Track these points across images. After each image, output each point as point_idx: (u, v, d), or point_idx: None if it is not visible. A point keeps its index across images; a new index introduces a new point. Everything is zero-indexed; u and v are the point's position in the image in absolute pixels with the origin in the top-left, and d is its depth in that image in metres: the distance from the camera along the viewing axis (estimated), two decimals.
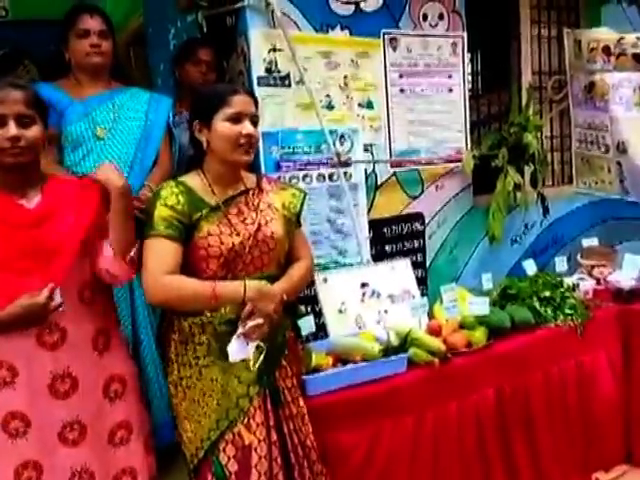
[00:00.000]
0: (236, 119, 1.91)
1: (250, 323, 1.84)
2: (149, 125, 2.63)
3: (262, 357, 1.87)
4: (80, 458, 1.85)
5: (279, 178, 2.64)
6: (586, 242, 3.32)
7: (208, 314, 1.90)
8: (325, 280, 2.65)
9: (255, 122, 1.97)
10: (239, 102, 1.92)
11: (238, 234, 1.93)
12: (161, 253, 1.85)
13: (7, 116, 1.72)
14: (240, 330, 1.84)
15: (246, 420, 1.90)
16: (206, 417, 1.91)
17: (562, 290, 2.85)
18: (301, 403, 2.04)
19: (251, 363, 1.85)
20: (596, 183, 3.65)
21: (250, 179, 2.08)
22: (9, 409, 1.76)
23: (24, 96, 1.75)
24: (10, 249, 1.74)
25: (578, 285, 2.98)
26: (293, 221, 2.10)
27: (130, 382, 1.97)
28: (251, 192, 2.04)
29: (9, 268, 1.74)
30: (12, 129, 1.72)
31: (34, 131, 1.77)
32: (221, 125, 1.91)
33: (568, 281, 2.97)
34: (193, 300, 1.87)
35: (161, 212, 1.87)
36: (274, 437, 1.94)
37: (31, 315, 1.73)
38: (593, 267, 3.17)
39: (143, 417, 2.03)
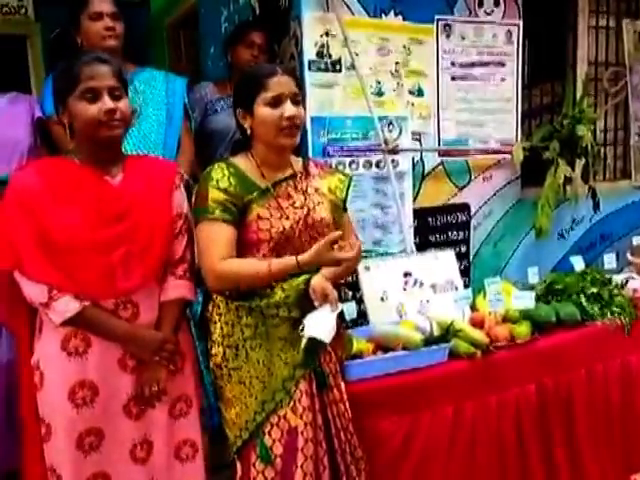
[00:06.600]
0: (276, 103, 1.86)
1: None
2: (170, 106, 2.61)
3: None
4: (141, 430, 1.88)
5: (325, 163, 2.63)
6: (636, 240, 3.24)
7: (257, 300, 1.89)
8: (367, 268, 2.64)
9: (297, 101, 1.90)
10: (277, 84, 1.86)
11: (287, 218, 1.92)
12: (218, 239, 1.84)
13: (101, 90, 1.72)
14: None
15: (292, 403, 1.89)
16: (252, 398, 1.91)
17: (610, 287, 2.78)
18: (343, 389, 2.04)
19: (301, 343, 1.82)
20: None
21: (298, 163, 2.06)
22: (80, 378, 1.78)
23: (113, 69, 1.76)
24: (95, 223, 1.75)
25: (626, 283, 2.91)
26: (340, 206, 2.08)
27: (188, 355, 1.99)
28: (299, 176, 2.02)
29: (93, 243, 1.74)
30: (108, 102, 1.72)
31: (125, 103, 1.78)
32: (262, 110, 1.87)
33: (616, 279, 2.90)
34: (250, 281, 1.86)
35: (215, 195, 1.85)
36: (319, 421, 1.94)
37: (141, 347, 1.81)
38: None
39: (199, 392, 2.06)
